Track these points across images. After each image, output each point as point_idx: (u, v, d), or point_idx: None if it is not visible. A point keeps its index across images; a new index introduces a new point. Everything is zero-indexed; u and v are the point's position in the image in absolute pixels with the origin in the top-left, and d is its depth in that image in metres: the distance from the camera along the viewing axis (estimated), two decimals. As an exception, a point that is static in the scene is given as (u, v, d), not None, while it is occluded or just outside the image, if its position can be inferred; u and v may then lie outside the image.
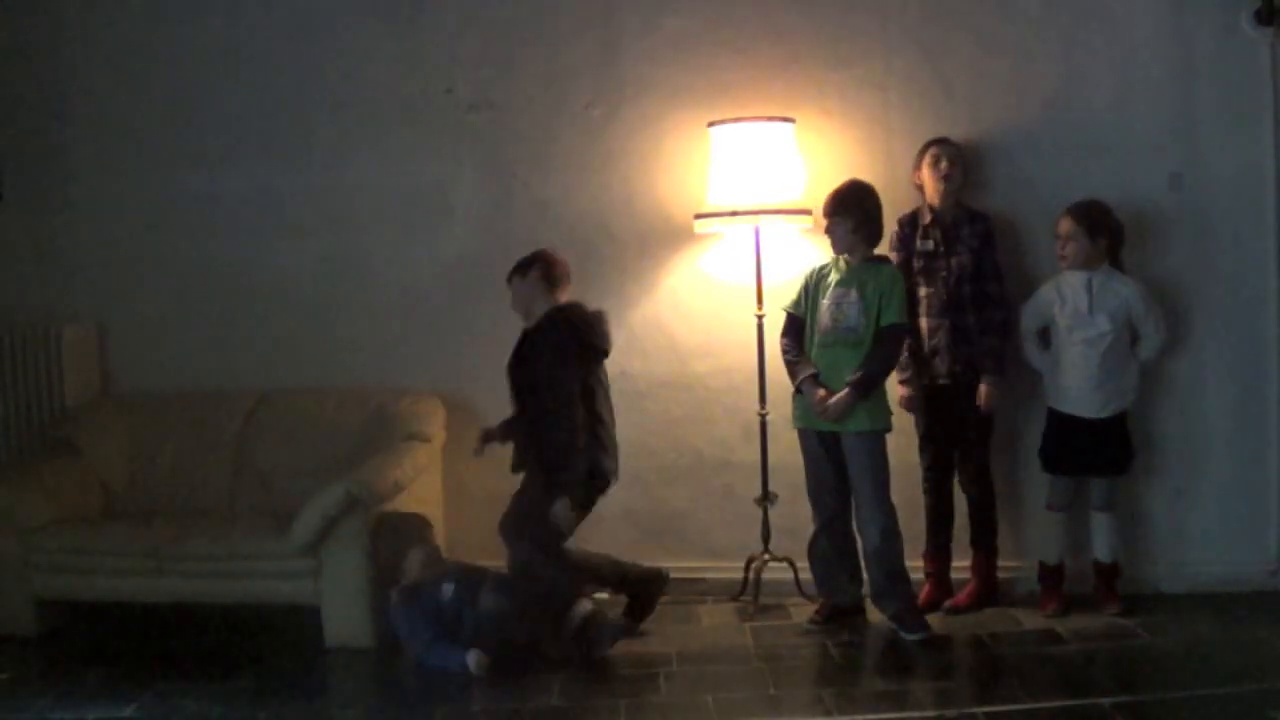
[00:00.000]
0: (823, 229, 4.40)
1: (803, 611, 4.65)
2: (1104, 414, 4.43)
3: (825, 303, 4.34)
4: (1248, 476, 4.69)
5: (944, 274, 4.51)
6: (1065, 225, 4.43)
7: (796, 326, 4.43)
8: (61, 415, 5.09)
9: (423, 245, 5.09)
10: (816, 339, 4.35)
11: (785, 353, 4.44)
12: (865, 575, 4.42)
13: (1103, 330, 4.39)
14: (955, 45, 4.77)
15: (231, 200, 5.15)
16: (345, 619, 4.35)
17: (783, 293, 4.81)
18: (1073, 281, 4.44)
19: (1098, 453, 4.47)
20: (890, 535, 4.28)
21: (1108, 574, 4.51)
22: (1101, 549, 4.50)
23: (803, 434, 4.45)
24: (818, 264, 4.47)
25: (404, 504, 4.49)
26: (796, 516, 4.79)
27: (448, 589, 4.21)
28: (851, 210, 4.30)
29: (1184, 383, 4.71)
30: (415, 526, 4.42)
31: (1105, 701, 3.61)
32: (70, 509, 4.70)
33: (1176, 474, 4.73)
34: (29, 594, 4.54)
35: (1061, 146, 4.71)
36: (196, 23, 5.15)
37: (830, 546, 4.45)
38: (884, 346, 4.26)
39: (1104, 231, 4.41)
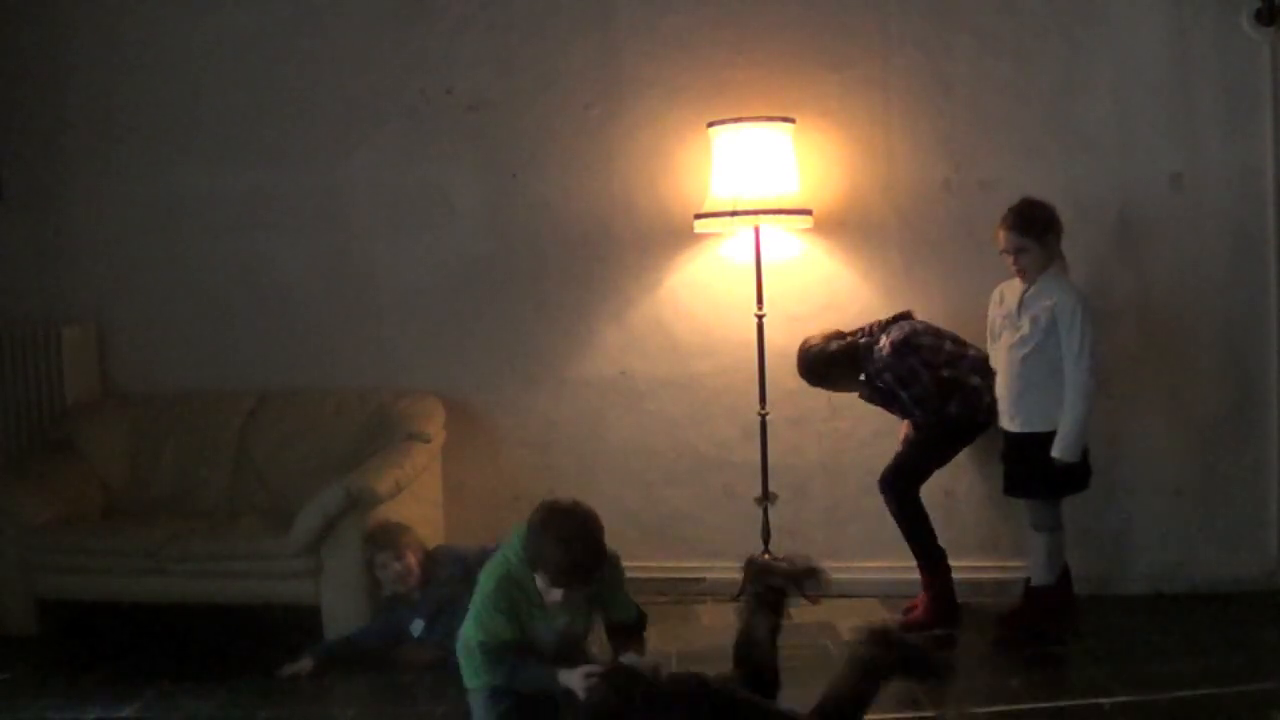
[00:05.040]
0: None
1: (803, 611, 4.64)
2: (1016, 428, 4.20)
3: None
4: (1248, 476, 4.69)
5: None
6: (1008, 239, 4.13)
7: None
8: (61, 415, 5.10)
9: (423, 245, 5.10)
10: None
11: None
12: None
13: (1024, 333, 4.12)
14: (955, 45, 4.77)
15: (231, 200, 5.16)
16: (345, 619, 4.35)
17: (783, 292, 4.82)
18: (1015, 282, 4.24)
19: (1014, 469, 4.25)
20: None
21: (1030, 596, 4.26)
22: (1031, 569, 4.30)
23: None
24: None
25: (404, 504, 4.49)
26: (796, 517, 4.80)
27: (418, 625, 4.21)
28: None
29: (1183, 382, 4.71)
30: (393, 536, 4.33)
31: (1105, 701, 3.62)
32: (70, 509, 4.70)
33: (1176, 474, 4.72)
34: (29, 594, 4.55)
35: (1061, 146, 4.71)
36: (196, 22, 5.15)
37: None
38: None
39: (1051, 228, 4.13)
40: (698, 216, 4.70)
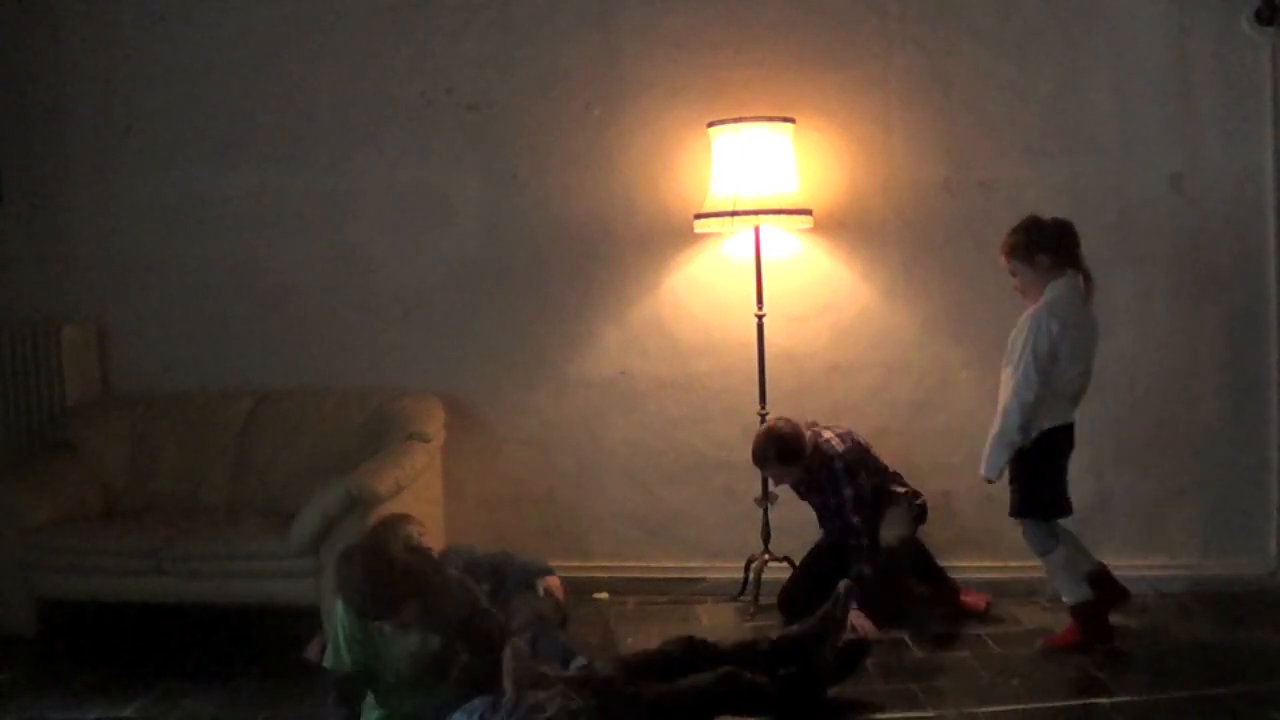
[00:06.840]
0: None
1: (802, 611, 4.65)
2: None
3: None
4: (1248, 476, 4.69)
5: None
6: (1005, 263, 4.07)
7: None
8: (61, 415, 5.10)
9: (423, 245, 5.09)
10: None
11: None
12: None
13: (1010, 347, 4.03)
14: (955, 45, 4.77)
15: (231, 200, 5.16)
16: (345, 619, 4.34)
17: (783, 292, 4.82)
18: None
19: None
20: None
21: (1073, 616, 4.09)
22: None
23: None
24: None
25: (404, 504, 4.48)
26: (796, 517, 4.79)
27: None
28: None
29: (1183, 382, 4.71)
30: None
31: (1105, 701, 3.62)
32: (70, 509, 4.69)
33: (1176, 474, 4.72)
34: (29, 594, 4.54)
35: (1061, 146, 4.71)
36: (197, 23, 5.15)
37: None
38: None
39: (1039, 248, 3.96)
40: (698, 216, 4.69)
